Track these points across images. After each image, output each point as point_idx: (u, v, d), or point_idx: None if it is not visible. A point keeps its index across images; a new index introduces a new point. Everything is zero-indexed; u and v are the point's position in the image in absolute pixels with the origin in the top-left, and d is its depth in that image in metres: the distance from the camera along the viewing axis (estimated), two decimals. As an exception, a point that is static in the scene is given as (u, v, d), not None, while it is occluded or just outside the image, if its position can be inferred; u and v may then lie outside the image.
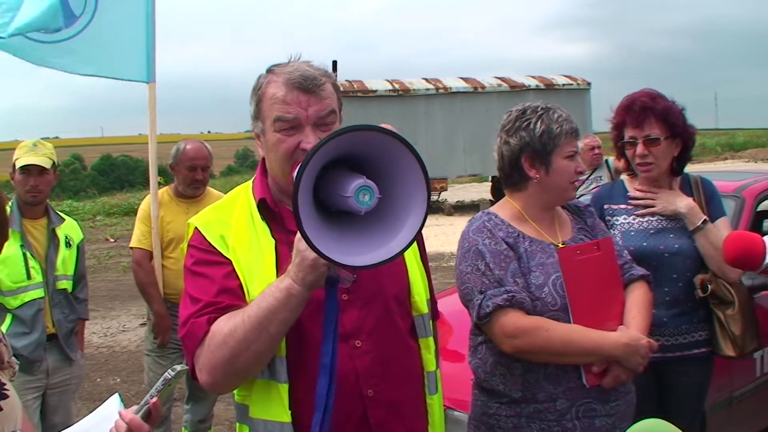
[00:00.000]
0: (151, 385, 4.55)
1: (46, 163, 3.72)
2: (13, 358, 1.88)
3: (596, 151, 7.41)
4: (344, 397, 1.73)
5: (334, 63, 16.22)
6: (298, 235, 1.57)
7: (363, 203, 1.47)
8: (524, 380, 2.27)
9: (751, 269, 2.53)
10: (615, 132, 3.04)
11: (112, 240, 16.85)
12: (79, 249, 3.96)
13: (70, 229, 3.94)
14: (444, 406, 2.04)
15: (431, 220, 12.83)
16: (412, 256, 1.97)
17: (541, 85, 20.09)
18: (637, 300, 2.41)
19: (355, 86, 19.16)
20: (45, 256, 3.74)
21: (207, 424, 4.55)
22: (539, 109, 2.37)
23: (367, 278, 1.80)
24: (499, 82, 20.35)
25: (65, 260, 3.81)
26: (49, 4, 4.13)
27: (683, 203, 2.91)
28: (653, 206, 2.96)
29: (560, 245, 2.36)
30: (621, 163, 3.20)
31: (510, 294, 2.20)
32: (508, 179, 2.44)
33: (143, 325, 8.48)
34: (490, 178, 21.65)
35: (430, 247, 2.09)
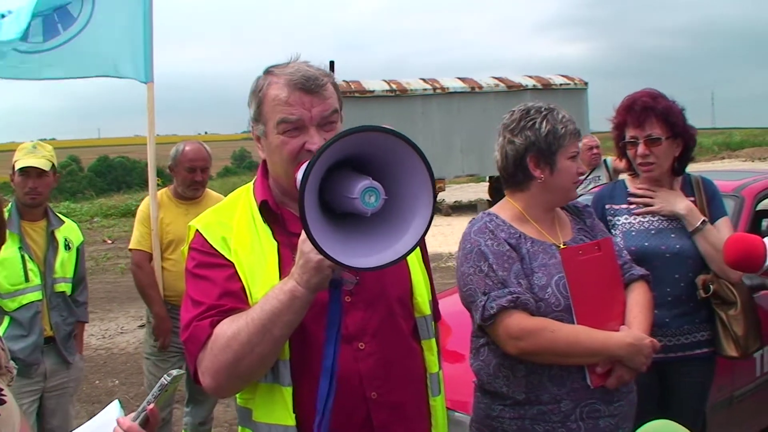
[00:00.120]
0: (152, 388, 4.54)
1: (46, 166, 3.70)
2: (11, 362, 1.87)
3: (594, 151, 7.42)
4: (348, 399, 1.72)
5: (331, 63, 16.19)
6: (302, 237, 1.56)
7: (369, 204, 1.46)
8: (528, 382, 2.26)
9: (751, 271, 2.53)
10: (616, 132, 3.04)
11: (109, 241, 16.81)
12: (79, 252, 3.95)
13: (69, 231, 3.93)
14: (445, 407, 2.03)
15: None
16: (414, 258, 1.96)
17: (539, 85, 20.10)
18: (637, 300, 2.41)
19: (352, 86, 19.14)
20: (43, 258, 3.73)
21: (207, 426, 4.54)
22: (543, 109, 2.36)
23: (370, 280, 1.79)
24: (497, 82, 20.34)
25: (64, 263, 3.79)
26: (28, 21, 4.16)
27: (682, 205, 2.91)
28: (652, 205, 2.96)
29: (561, 246, 2.35)
30: (622, 163, 3.20)
31: (514, 295, 2.19)
32: (511, 179, 2.43)
33: (141, 327, 8.46)
34: (487, 179, 21.66)
35: (428, 248, 2.09)
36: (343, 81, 19.27)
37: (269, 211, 1.85)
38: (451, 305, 2.77)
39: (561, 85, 20.31)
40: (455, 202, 21.41)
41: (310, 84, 1.76)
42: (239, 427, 1.88)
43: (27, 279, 3.59)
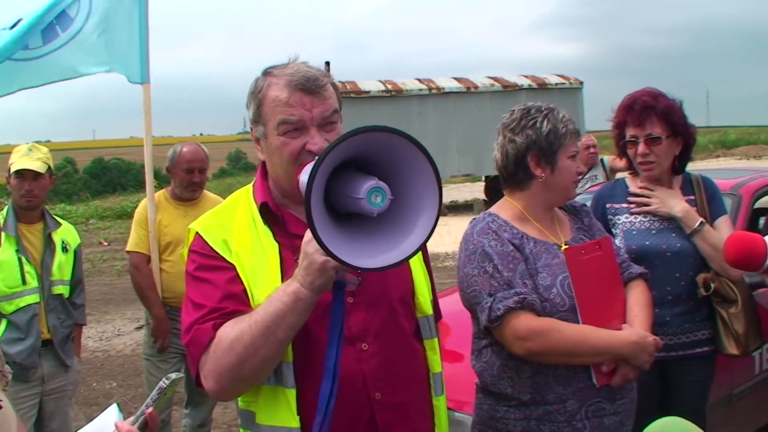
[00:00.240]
0: (152, 389, 4.53)
1: (41, 168, 3.69)
2: (6, 366, 1.86)
3: (591, 150, 7.42)
4: (352, 400, 1.72)
5: (327, 64, 16.18)
6: (306, 238, 1.56)
7: (375, 205, 1.45)
8: (533, 382, 2.26)
9: (752, 270, 2.53)
10: (616, 131, 3.04)
11: (105, 243, 16.78)
12: (77, 254, 3.94)
13: (66, 233, 3.91)
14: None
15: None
16: (415, 257, 1.94)
17: (534, 85, 20.11)
18: (638, 299, 2.42)
19: (348, 87, 19.13)
20: (41, 260, 3.71)
21: (206, 428, 4.52)
22: (543, 108, 2.36)
23: (372, 280, 1.78)
24: (492, 81, 20.35)
25: (61, 265, 3.78)
26: (26, 25, 4.17)
27: (678, 207, 2.91)
28: (649, 205, 2.96)
29: (563, 245, 2.35)
30: (622, 163, 3.20)
31: (521, 296, 2.19)
32: (511, 178, 2.42)
33: (139, 328, 8.45)
34: (483, 178, 21.67)
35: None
36: (339, 81, 19.26)
37: (269, 213, 1.83)
38: (449, 305, 2.76)
39: (556, 84, 20.33)
40: (451, 202, 21.42)
41: (310, 84, 1.75)
42: (241, 430, 1.86)
43: (24, 282, 3.58)
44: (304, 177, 1.64)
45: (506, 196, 2.48)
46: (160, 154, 4.61)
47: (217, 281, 1.74)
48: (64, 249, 3.83)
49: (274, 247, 1.78)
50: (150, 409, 1.64)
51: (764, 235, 2.47)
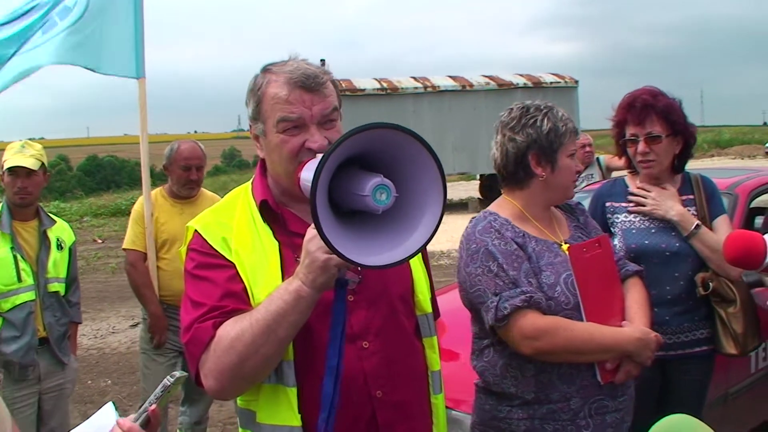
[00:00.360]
0: (147, 383, 4.51)
1: (34, 165, 3.66)
2: None
3: (588, 149, 7.42)
4: (353, 398, 1.71)
5: (322, 61, 16.14)
6: (308, 236, 1.55)
7: (380, 202, 1.44)
8: (537, 381, 2.25)
9: (752, 269, 2.53)
10: (616, 129, 3.04)
11: (99, 241, 16.75)
12: (71, 251, 3.91)
13: (61, 231, 3.89)
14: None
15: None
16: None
17: (529, 83, 20.14)
18: (636, 297, 2.42)
19: (343, 85, 19.11)
20: (36, 258, 3.69)
21: (202, 426, 4.52)
22: (543, 107, 2.36)
23: (373, 278, 1.78)
24: (487, 80, 20.38)
25: (57, 262, 3.76)
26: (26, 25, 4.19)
27: (673, 211, 2.90)
28: (645, 205, 2.96)
29: (563, 244, 2.35)
30: (620, 161, 3.20)
31: (527, 295, 2.18)
32: (511, 177, 2.41)
33: (133, 326, 8.44)
34: (478, 176, 21.68)
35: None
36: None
37: (269, 211, 1.82)
38: (445, 303, 2.76)
39: (552, 83, 20.37)
40: (447, 200, 21.43)
41: (310, 82, 1.74)
42: (240, 429, 1.85)
43: (20, 279, 3.56)
44: (305, 174, 1.63)
45: (504, 195, 2.46)
46: (154, 151, 4.59)
47: (216, 279, 1.72)
48: (59, 246, 3.81)
49: (274, 245, 1.77)
50: (153, 406, 1.63)
51: (763, 234, 2.48)
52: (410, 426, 1.83)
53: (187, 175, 4.32)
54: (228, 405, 5.31)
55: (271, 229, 1.80)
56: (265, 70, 1.82)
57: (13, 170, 3.63)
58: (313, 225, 1.43)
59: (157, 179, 4.72)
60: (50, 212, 4.02)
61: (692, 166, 3.11)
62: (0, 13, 4.52)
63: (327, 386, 1.60)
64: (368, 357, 1.77)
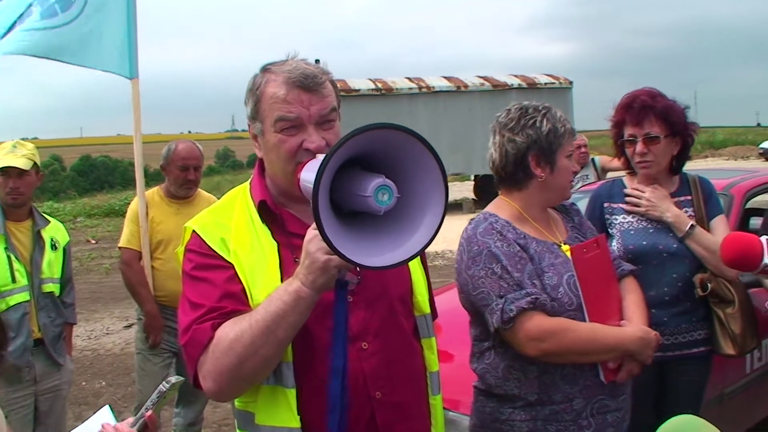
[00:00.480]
0: (142, 384, 4.49)
1: (26, 165, 3.64)
2: None
3: (583, 149, 7.44)
4: (353, 399, 1.70)
5: (317, 62, 16.13)
6: (308, 236, 1.54)
7: (382, 203, 1.44)
8: (540, 382, 2.25)
9: (749, 270, 2.54)
10: (615, 130, 3.04)
11: (93, 241, 16.71)
12: (66, 252, 3.90)
13: (55, 231, 3.87)
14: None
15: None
16: None
17: (524, 84, 20.20)
18: (633, 296, 2.43)
19: (338, 85, 19.13)
20: (30, 258, 3.67)
21: (197, 427, 4.50)
22: (541, 108, 2.36)
23: (372, 279, 1.77)
24: (482, 81, 20.43)
25: (51, 263, 3.74)
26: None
27: (668, 213, 2.90)
28: (640, 206, 2.97)
29: (562, 245, 2.35)
30: (617, 162, 3.21)
31: (533, 296, 2.17)
32: (509, 178, 2.40)
33: (127, 327, 8.41)
34: (472, 177, 21.71)
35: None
36: (329, 80, 19.22)
37: (268, 212, 1.81)
38: (441, 304, 2.75)
39: (546, 84, 20.43)
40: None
41: (308, 82, 1.73)
42: (238, 431, 1.84)
43: (14, 280, 3.54)
44: (306, 175, 1.62)
45: (502, 196, 2.45)
46: (148, 151, 4.57)
47: (215, 280, 1.71)
48: (53, 247, 3.79)
49: (273, 245, 1.76)
50: (150, 412, 1.63)
51: (760, 236, 2.48)
52: (409, 427, 1.82)
53: (184, 175, 4.30)
54: (223, 406, 5.30)
55: (269, 229, 1.79)
56: (265, 69, 1.82)
57: (4, 170, 3.60)
58: (313, 225, 1.42)
59: (151, 179, 4.70)
60: (44, 212, 4.00)
61: (687, 166, 3.12)
62: None
63: (334, 387, 1.60)
64: (367, 358, 1.76)
